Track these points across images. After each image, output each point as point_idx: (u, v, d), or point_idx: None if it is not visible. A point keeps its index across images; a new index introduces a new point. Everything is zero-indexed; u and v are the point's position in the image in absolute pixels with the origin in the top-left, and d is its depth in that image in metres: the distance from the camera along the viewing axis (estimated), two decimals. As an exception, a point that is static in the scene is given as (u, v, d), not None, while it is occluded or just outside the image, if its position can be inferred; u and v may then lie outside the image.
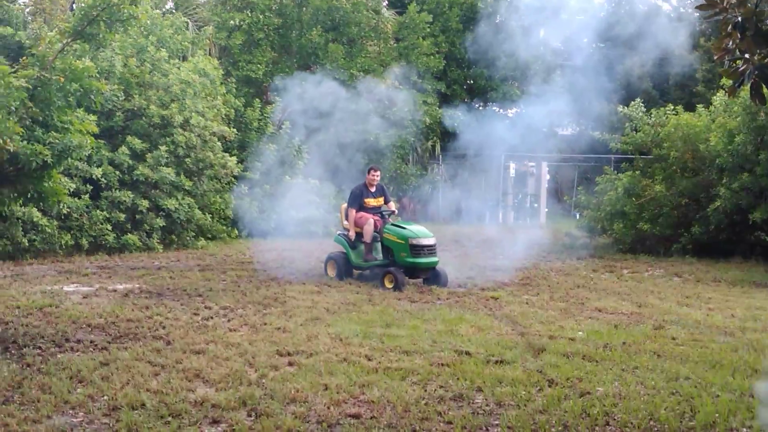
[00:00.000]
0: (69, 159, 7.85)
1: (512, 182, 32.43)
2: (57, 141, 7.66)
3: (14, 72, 7.49)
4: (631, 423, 6.72)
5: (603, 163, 29.22)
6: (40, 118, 7.71)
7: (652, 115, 23.64)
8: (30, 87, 7.38)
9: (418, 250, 14.48)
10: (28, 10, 21.94)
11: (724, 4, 6.81)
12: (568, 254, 21.03)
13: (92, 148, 8.10)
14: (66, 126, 7.82)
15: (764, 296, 14.65)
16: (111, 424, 6.50)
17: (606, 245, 22.01)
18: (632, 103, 24.70)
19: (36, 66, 7.73)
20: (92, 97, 8.14)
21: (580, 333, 10.50)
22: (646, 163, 22.94)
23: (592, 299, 13.53)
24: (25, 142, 7.45)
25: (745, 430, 6.60)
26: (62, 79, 7.71)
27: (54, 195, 8.14)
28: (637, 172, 22.88)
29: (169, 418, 6.63)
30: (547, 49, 32.91)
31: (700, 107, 22.69)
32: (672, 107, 23.49)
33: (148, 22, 20.82)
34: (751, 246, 19.69)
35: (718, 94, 22.44)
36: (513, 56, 29.52)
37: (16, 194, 8.00)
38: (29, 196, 8.11)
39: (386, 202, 15.54)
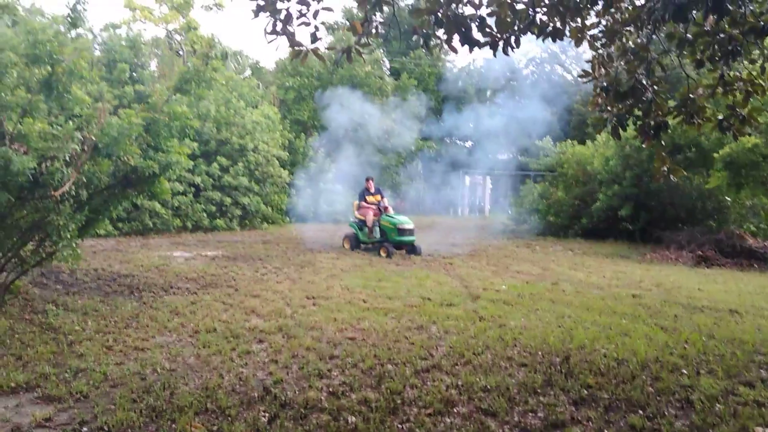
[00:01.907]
0: (170, 170, 7.75)
1: (467, 189, 32.31)
2: (162, 158, 7.60)
3: (134, 114, 7.43)
4: (530, 345, 6.66)
5: (525, 177, 29.04)
6: (152, 144, 7.65)
7: (557, 146, 23.55)
8: (145, 123, 7.34)
9: (402, 231, 14.50)
10: (156, 74, 21.84)
11: (595, 74, 6.76)
12: (502, 236, 20.92)
13: (187, 165, 8.00)
14: (169, 149, 7.77)
15: (625, 264, 14.57)
16: (193, 342, 6.46)
17: (527, 230, 21.92)
18: (544, 138, 24.61)
19: (150, 110, 7.67)
20: (187, 130, 8.10)
21: (504, 286, 10.42)
22: (553, 178, 22.83)
23: (513, 265, 13.46)
24: (142, 159, 7.40)
25: (604, 350, 6.53)
26: (167, 119, 7.66)
27: (161, 193, 8.10)
28: (547, 183, 22.81)
29: (231, 338, 6.59)
30: (492, 102, 32.85)
31: (588, 142, 22.56)
32: (570, 141, 23.41)
33: (232, 82, 20.82)
34: (620, 232, 19.59)
35: (602, 134, 22.29)
36: (469, 107, 29.47)
37: (136, 193, 7.96)
38: (145, 194, 8.07)
39: (382, 198, 15.53)
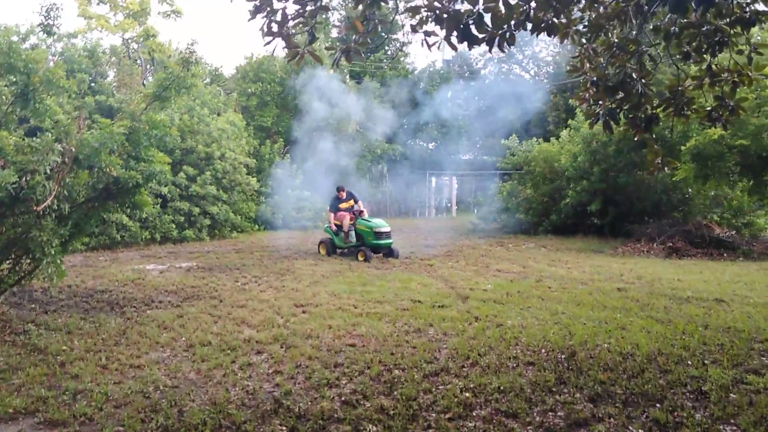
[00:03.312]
0: (153, 181, 7.49)
1: (434, 190, 32.34)
2: (144, 168, 7.34)
3: (113, 123, 7.17)
4: (532, 343, 6.62)
5: (490, 177, 29.18)
6: (133, 154, 7.38)
7: (523, 145, 23.72)
8: (126, 133, 7.06)
9: (379, 235, 14.36)
10: (114, 84, 21.27)
11: (585, 69, 6.75)
12: (473, 236, 20.94)
13: (168, 174, 7.74)
14: (150, 159, 7.51)
15: (601, 258, 14.73)
16: (189, 357, 6.23)
17: (496, 229, 21.96)
18: (510, 137, 24.75)
19: (128, 119, 7.40)
20: (166, 139, 7.85)
21: (489, 286, 10.39)
22: (520, 176, 22.95)
23: (492, 263, 13.45)
24: (123, 170, 7.13)
25: (605, 345, 6.52)
26: (147, 128, 7.41)
27: (143, 205, 7.82)
28: (515, 182, 22.90)
29: (228, 351, 6.38)
30: (454, 104, 32.98)
31: (553, 139, 22.75)
32: (535, 139, 23.59)
33: (194, 90, 20.37)
34: (588, 227, 19.81)
35: (564, 130, 22.54)
36: (432, 109, 29.50)
37: (117, 205, 7.66)
38: (127, 206, 7.78)
39: (356, 202, 15.38)
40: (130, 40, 25.57)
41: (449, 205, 32.45)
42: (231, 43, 62.36)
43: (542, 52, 43.65)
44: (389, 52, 35.56)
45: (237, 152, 20.85)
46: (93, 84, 19.31)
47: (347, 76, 29.90)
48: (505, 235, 20.93)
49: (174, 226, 18.04)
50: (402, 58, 36.41)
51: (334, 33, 33.00)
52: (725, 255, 15.21)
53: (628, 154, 18.90)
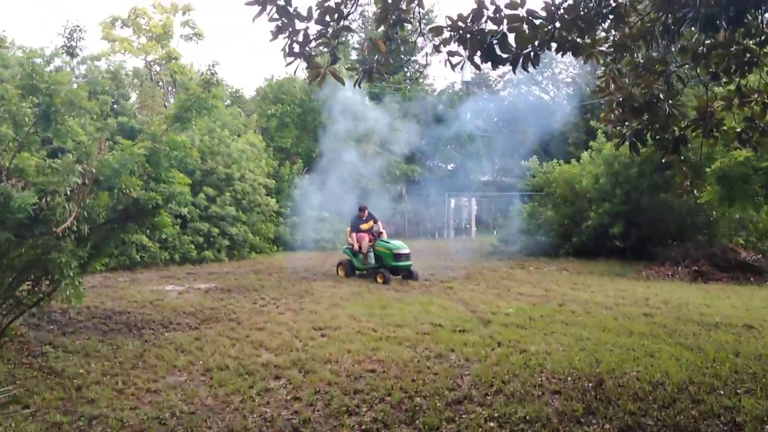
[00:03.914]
0: (173, 202, 7.45)
1: (452, 211, 32.15)
2: (165, 189, 7.30)
3: (134, 145, 7.15)
4: (558, 371, 6.43)
5: (509, 198, 28.94)
6: (153, 175, 7.35)
7: (543, 166, 23.52)
8: (146, 154, 7.04)
9: (399, 257, 14.22)
10: (136, 106, 21.47)
11: (610, 89, 6.63)
12: (493, 258, 20.72)
13: (189, 196, 7.71)
14: (170, 180, 7.47)
15: (624, 282, 14.45)
16: (207, 381, 6.13)
17: (517, 251, 21.69)
18: (531, 158, 24.57)
19: (149, 140, 7.38)
20: (187, 160, 7.82)
21: (511, 309, 10.19)
22: (540, 198, 22.74)
23: (514, 287, 13.24)
24: (143, 191, 7.10)
25: (634, 373, 6.32)
26: (167, 148, 7.38)
27: (163, 226, 7.78)
28: (536, 203, 22.69)
29: (246, 376, 6.27)
30: (473, 125, 32.90)
31: (573, 161, 22.54)
32: (555, 161, 23.38)
33: (215, 111, 20.45)
34: (610, 250, 19.50)
35: (585, 152, 22.33)
36: (450, 129, 29.44)
37: (137, 226, 7.62)
38: (146, 227, 7.74)
39: (375, 223, 15.29)
40: (152, 63, 25.86)
41: (468, 226, 32.22)
42: (251, 65, 63.02)
43: (561, 74, 43.56)
44: (408, 74, 35.64)
45: (256, 173, 20.90)
46: (116, 106, 19.51)
47: (366, 98, 30.02)
48: (526, 257, 20.65)
49: (193, 246, 18.04)
50: (421, 80, 36.46)
51: (353, 55, 33.17)
52: (752, 279, 14.86)
53: (651, 175, 18.64)
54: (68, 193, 6.15)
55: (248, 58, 62.40)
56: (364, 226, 15.17)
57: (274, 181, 22.12)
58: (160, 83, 24.85)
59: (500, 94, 43.56)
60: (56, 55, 16.24)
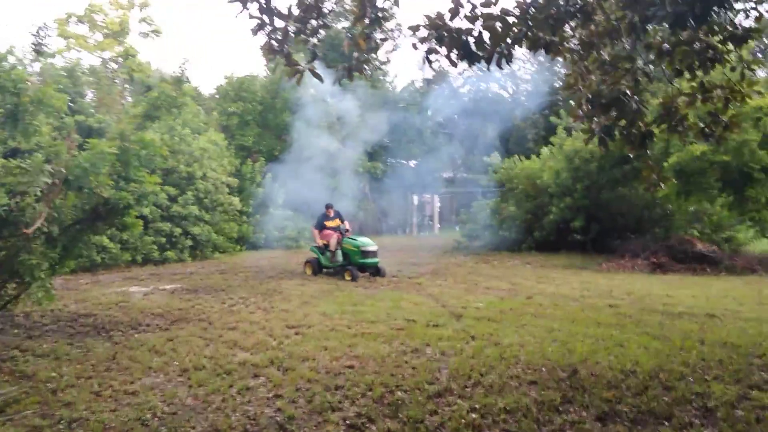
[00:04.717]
0: (144, 202, 7.36)
1: (415, 208, 32.33)
2: (136, 189, 7.20)
3: (104, 144, 7.05)
4: (532, 362, 6.56)
5: (471, 195, 29.22)
6: (123, 174, 7.24)
7: (504, 162, 23.80)
8: (116, 153, 6.94)
9: (366, 254, 14.26)
10: (94, 104, 20.99)
11: (579, 86, 6.79)
12: (458, 253, 20.94)
13: (161, 195, 7.61)
14: (141, 179, 7.38)
15: (587, 274, 14.77)
16: (185, 381, 6.08)
17: (480, 246, 21.92)
18: (492, 154, 24.85)
19: (118, 139, 7.27)
20: (157, 159, 7.73)
21: (481, 304, 10.33)
22: (503, 193, 23.02)
23: (481, 281, 13.41)
24: (113, 191, 6.99)
25: (606, 362, 6.49)
26: (137, 148, 7.28)
27: (133, 226, 7.68)
28: (498, 199, 22.98)
29: (224, 375, 6.23)
30: (434, 122, 33.11)
31: (534, 156, 22.89)
32: (517, 157, 23.68)
33: (174, 109, 20.19)
34: (571, 243, 19.90)
35: (545, 148, 22.68)
36: (412, 126, 29.58)
37: (107, 226, 7.51)
38: (116, 228, 7.63)
39: (342, 221, 15.30)
40: (109, 60, 25.34)
41: (431, 222, 32.44)
42: (210, 63, 62.23)
43: (520, 71, 44.07)
44: (368, 72, 35.57)
45: (219, 172, 20.68)
46: (72, 104, 19.06)
47: (328, 95, 29.94)
48: (490, 252, 20.91)
49: (155, 247, 17.77)
50: (381, 77, 36.46)
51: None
52: (708, 270, 15.34)
53: (610, 170, 19.07)
54: (38, 193, 6.03)
55: (206, 55, 61.65)
56: (330, 224, 15.16)
57: (236, 180, 21.91)
58: (117, 81, 24.36)
59: (460, 90, 43.91)
60: (10, 53, 15.84)
